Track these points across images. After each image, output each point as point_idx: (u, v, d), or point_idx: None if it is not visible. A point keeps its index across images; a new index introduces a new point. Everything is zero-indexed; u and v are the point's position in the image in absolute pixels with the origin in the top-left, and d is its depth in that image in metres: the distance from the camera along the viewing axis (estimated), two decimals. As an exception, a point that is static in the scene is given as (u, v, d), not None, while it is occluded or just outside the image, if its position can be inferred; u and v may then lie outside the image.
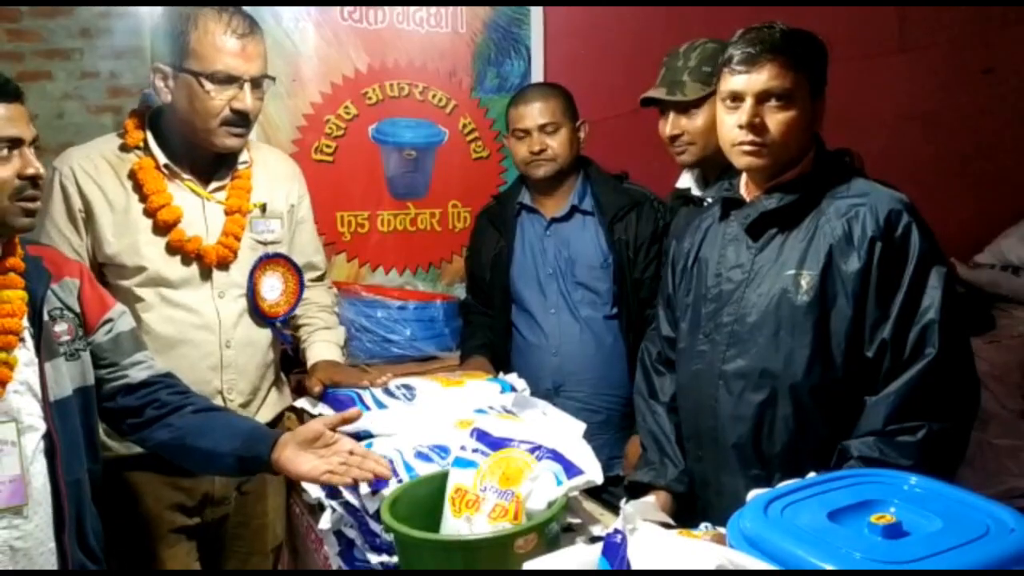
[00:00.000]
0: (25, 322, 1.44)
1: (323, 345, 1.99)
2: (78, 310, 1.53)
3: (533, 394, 1.84)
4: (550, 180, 2.30)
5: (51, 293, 1.49)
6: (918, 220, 1.48)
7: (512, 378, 1.90)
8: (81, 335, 1.53)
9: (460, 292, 2.76)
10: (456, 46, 2.80)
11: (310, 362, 1.97)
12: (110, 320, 1.58)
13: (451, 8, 2.78)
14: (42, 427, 1.45)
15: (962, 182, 3.63)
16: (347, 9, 2.65)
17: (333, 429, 1.53)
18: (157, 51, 1.77)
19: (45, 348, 1.46)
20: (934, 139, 3.55)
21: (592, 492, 1.58)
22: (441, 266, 2.89)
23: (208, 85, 1.72)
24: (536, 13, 2.88)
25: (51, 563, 1.47)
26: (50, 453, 1.46)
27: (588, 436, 1.59)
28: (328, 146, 2.69)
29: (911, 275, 1.45)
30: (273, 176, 1.96)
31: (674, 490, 1.68)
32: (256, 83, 1.78)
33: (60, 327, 1.49)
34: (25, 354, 1.44)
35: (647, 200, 2.32)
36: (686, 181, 2.13)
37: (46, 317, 1.47)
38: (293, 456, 1.50)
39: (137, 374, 1.59)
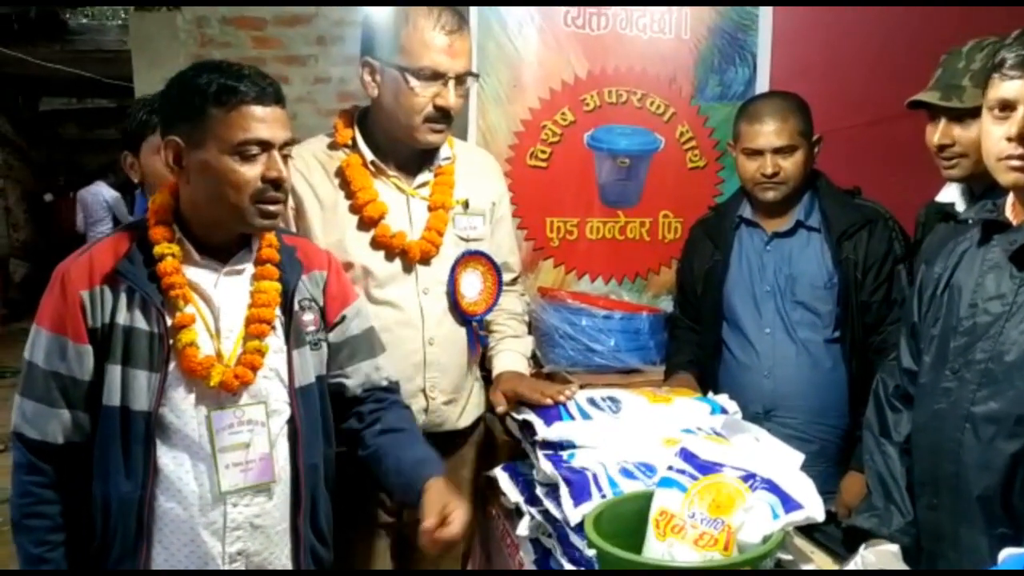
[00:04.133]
0: (277, 311, 1.52)
1: (510, 355, 1.97)
2: (322, 303, 1.60)
3: (743, 418, 1.74)
4: (779, 201, 2.18)
5: (302, 283, 1.57)
6: None
7: (723, 399, 1.80)
8: (323, 326, 1.60)
9: (666, 304, 2.67)
10: (679, 52, 2.72)
11: (496, 371, 1.94)
12: (344, 318, 1.63)
13: (676, 13, 2.70)
14: (287, 411, 1.54)
15: None
16: (571, 15, 2.64)
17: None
18: (367, 45, 1.80)
19: (294, 336, 1.54)
20: None
21: (802, 528, 1.47)
22: (648, 277, 2.82)
23: (413, 81, 1.73)
24: (765, 18, 2.74)
25: (285, 542, 1.55)
26: (292, 437, 1.54)
27: (801, 468, 1.48)
28: (543, 152, 2.69)
29: None
30: (475, 173, 1.96)
31: (898, 542, 1.52)
32: (460, 80, 1.78)
33: (308, 317, 1.57)
34: (275, 341, 1.52)
35: (880, 218, 2.14)
36: (950, 195, 1.93)
37: (296, 307, 1.55)
38: None
39: (351, 385, 1.65)
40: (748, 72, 2.77)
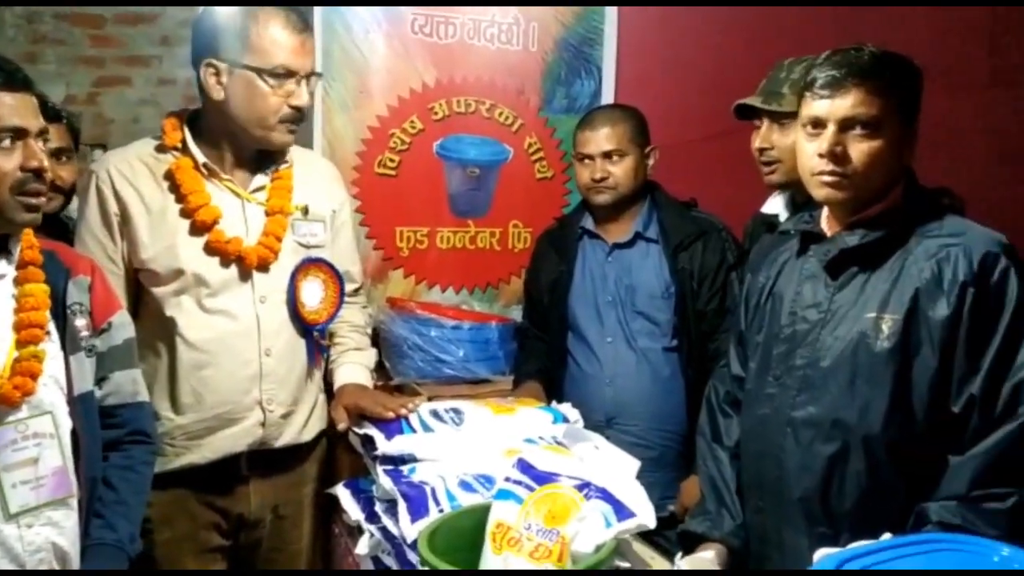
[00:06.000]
0: (49, 315, 1.42)
1: (352, 367, 1.93)
2: (89, 309, 1.51)
3: (585, 426, 1.76)
4: (611, 207, 2.23)
5: (71, 287, 1.47)
6: (1017, 265, 1.35)
7: (566, 408, 1.82)
8: (94, 332, 1.51)
9: (517, 314, 2.68)
10: (526, 64, 2.75)
11: (337, 384, 1.90)
12: (110, 326, 1.54)
13: (523, 25, 2.73)
14: (67, 422, 1.43)
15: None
16: (418, 22, 2.63)
17: None
18: (208, 47, 1.73)
19: (69, 342, 1.45)
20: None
21: (643, 533, 1.49)
22: (499, 287, 2.83)
23: (271, 80, 1.71)
24: (610, 32, 2.81)
25: None
26: (74, 447, 1.44)
27: (640, 473, 1.51)
28: (392, 160, 2.65)
29: (1007, 325, 1.32)
30: (314, 178, 1.92)
31: (729, 544, 1.56)
32: (308, 79, 1.77)
33: (80, 322, 1.47)
34: (51, 347, 1.42)
35: (715, 229, 2.23)
36: (775, 207, 2.01)
37: (68, 311, 1.45)
38: None
39: (106, 395, 1.54)
40: (594, 85, 2.83)
